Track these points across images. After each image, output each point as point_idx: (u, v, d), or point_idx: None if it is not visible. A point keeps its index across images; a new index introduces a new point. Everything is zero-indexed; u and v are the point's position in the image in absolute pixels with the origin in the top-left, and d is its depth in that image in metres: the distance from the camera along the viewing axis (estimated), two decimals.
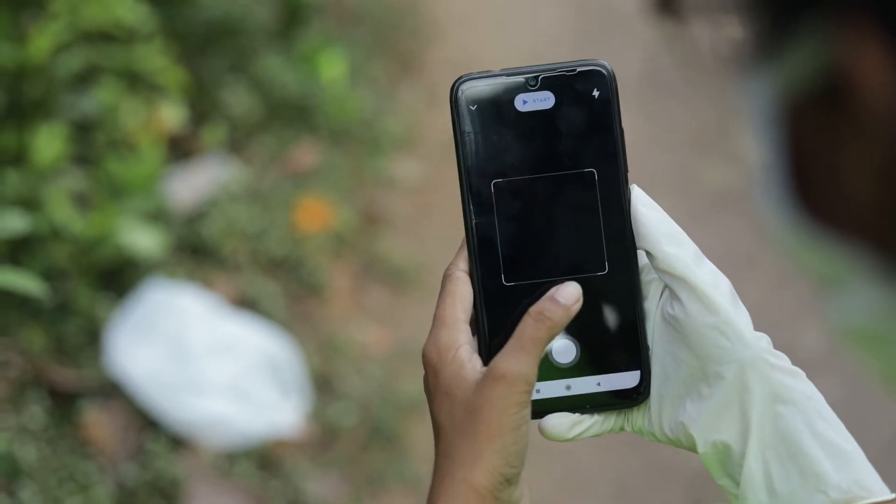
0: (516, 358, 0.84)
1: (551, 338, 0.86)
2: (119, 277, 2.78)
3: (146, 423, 2.61)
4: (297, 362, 2.77)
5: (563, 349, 0.90)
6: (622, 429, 0.90)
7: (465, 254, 0.90)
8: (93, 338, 2.68)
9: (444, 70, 3.68)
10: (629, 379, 0.89)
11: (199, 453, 2.59)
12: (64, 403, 2.58)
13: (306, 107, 3.36)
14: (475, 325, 0.89)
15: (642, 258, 0.89)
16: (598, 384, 0.89)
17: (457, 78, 0.89)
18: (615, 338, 0.89)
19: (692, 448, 0.87)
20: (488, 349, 0.87)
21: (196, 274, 2.91)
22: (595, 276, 0.89)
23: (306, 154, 3.31)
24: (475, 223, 0.89)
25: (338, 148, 3.37)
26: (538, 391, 0.89)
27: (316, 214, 3.16)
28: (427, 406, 0.88)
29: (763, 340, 0.85)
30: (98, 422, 2.57)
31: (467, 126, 0.89)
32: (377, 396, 2.84)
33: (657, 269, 0.87)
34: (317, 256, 3.08)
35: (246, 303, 2.91)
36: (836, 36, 0.47)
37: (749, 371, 0.84)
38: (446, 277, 0.89)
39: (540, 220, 0.89)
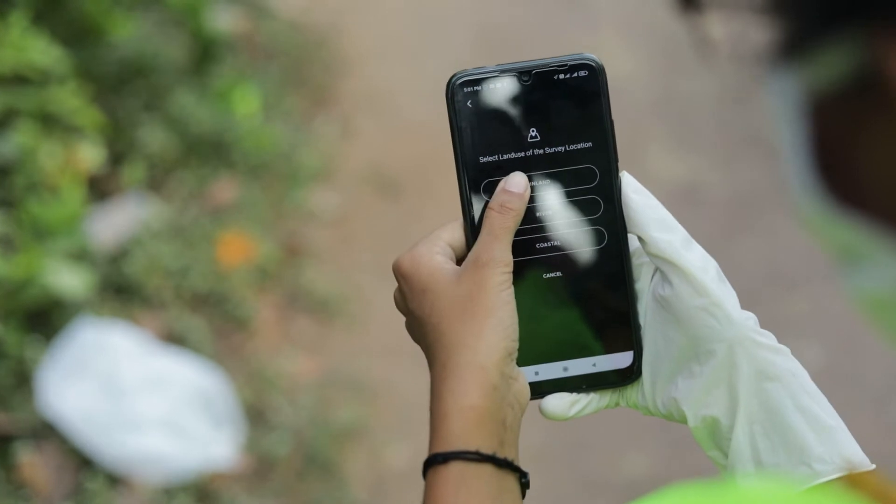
0: (492, 246, 0.90)
1: (517, 225, 0.92)
2: (47, 318, 2.77)
3: (82, 463, 2.60)
4: (228, 395, 2.77)
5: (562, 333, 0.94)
6: (617, 404, 0.94)
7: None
8: (23, 380, 2.67)
9: (356, 102, 3.71)
10: (623, 359, 0.93)
11: (137, 490, 2.59)
12: None
13: (223, 142, 3.37)
14: None
15: (634, 242, 0.93)
16: (594, 365, 0.93)
17: (452, 75, 0.92)
18: (609, 321, 0.93)
19: (683, 421, 0.90)
20: None
21: (122, 312, 2.90)
22: (589, 262, 0.93)
23: (225, 189, 3.32)
24: (473, 216, 0.92)
25: (256, 182, 3.38)
26: (537, 373, 0.93)
27: (238, 248, 3.17)
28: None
29: (750, 320, 0.88)
30: (33, 463, 2.56)
31: (463, 122, 0.92)
32: (310, 425, 2.85)
33: (648, 254, 0.90)
34: (241, 290, 3.09)
35: (173, 339, 2.91)
36: (869, 42, 0.51)
37: (737, 349, 0.87)
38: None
39: (534, 210, 0.93)
